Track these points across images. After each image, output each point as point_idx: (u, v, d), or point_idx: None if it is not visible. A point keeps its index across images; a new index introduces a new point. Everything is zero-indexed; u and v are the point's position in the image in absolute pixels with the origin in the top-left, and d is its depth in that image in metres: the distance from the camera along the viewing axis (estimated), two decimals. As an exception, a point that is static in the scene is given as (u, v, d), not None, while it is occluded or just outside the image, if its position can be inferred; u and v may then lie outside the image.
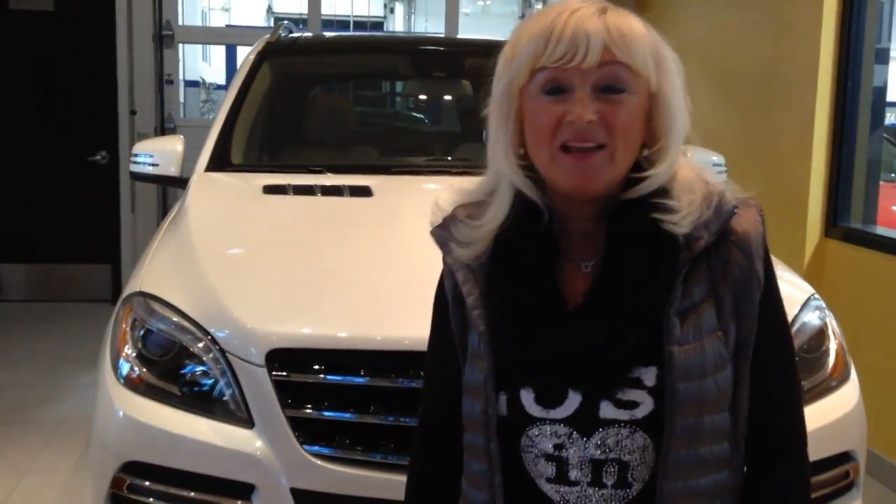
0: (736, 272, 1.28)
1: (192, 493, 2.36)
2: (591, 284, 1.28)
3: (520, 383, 1.29)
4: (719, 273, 1.28)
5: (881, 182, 4.91)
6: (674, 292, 1.25)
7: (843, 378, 2.62)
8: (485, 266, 1.33)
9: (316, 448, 2.29)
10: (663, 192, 1.28)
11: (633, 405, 1.25)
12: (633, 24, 1.27)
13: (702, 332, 1.26)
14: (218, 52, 13.55)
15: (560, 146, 1.25)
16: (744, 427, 1.31)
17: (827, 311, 2.67)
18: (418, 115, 5.53)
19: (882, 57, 4.46)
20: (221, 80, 13.32)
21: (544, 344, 1.26)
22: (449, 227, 1.38)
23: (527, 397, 1.28)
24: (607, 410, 1.26)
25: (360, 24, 15.10)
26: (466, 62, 4.38)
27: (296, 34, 4.44)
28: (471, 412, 1.33)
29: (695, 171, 1.32)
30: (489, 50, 4.87)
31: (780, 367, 1.35)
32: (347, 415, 2.31)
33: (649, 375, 1.25)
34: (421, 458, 1.48)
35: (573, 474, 1.28)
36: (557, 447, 1.28)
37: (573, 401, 1.27)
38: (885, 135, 5.25)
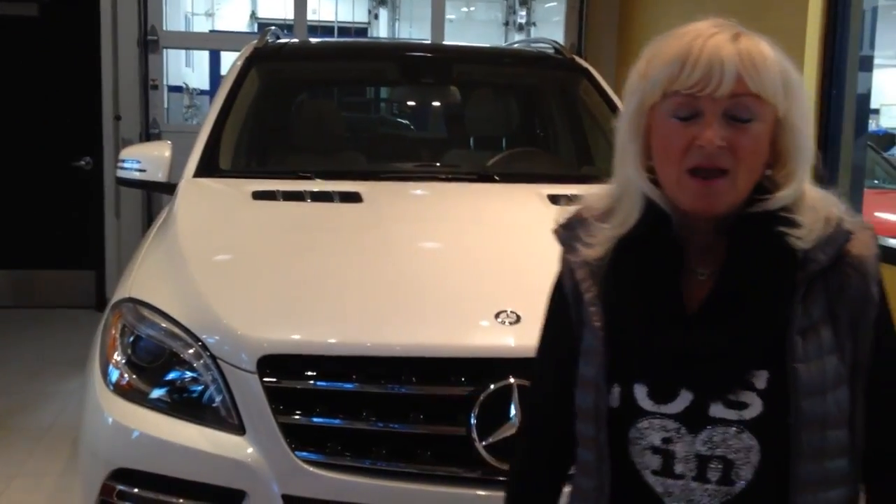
0: (852, 293, 1.32)
1: (183, 500, 2.35)
2: (710, 292, 1.34)
3: (634, 377, 1.35)
4: (835, 294, 1.32)
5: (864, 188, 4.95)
6: (794, 310, 1.30)
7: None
8: (604, 266, 1.39)
9: (308, 454, 2.29)
10: (787, 209, 1.33)
11: (742, 406, 1.30)
12: (765, 51, 1.31)
13: (822, 351, 1.30)
14: (201, 58, 13.49)
15: (687, 169, 1.30)
16: (860, 443, 1.35)
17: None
18: (407, 121, 5.53)
19: (866, 64, 4.49)
20: (205, 86, 13.26)
21: (663, 343, 1.32)
22: (575, 228, 1.45)
23: (640, 391, 1.35)
24: (717, 410, 1.31)
25: (344, 30, 15.09)
26: (455, 68, 4.39)
27: (283, 40, 4.43)
28: (582, 403, 1.40)
29: (819, 194, 1.37)
30: (477, 56, 4.87)
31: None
32: (339, 421, 2.30)
33: (761, 379, 1.30)
34: (527, 454, 1.54)
35: (678, 468, 1.33)
36: (665, 441, 1.34)
37: (684, 398, 1.33)
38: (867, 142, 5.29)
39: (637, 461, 1.36)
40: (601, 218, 1.42)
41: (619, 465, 1.38)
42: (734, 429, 1.30)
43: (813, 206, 1.34)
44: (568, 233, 1.46)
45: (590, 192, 1.48)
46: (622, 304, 1.36)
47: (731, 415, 1.30)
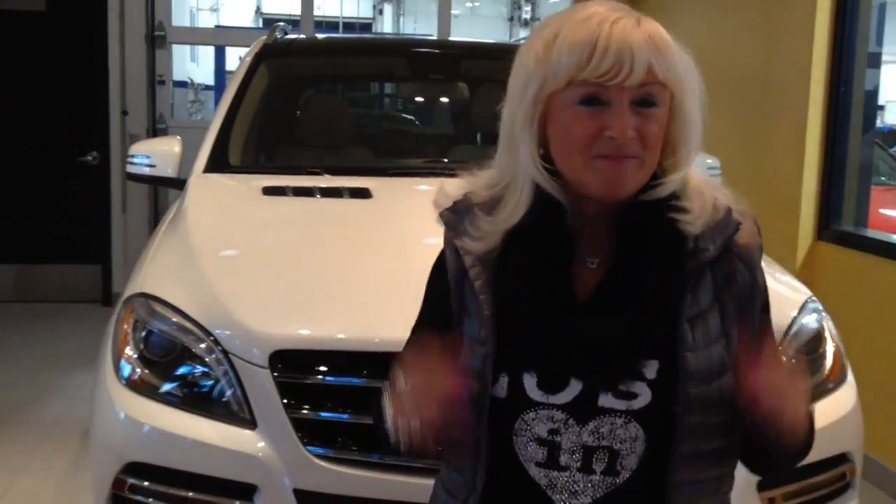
0: (740, 283, 1.33)
1: (194, 494, 2.37)
2: (601, 281, 1.32)
3: (523, 367, 1.32)
4: (723, 283, 1.33)
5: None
6: (685, 299, 1.30)
7: (840, 380, 2.64)
8: (493, 256, 1.35)
9: (318, 449, 2.29)
10: (676, 196, 1.32)
11: (631, 396, 1.29)
12: (666, 36, 1.28)
13: (710, 339, 1.30)
14: (206, 53, 13.50)
15: (595, 156, 1.26)
16: (740, 425, 1.34)
17: (824, 314, 2.70)
18: (415, 117, 5.54)
19: (874, 61, 4.49)
20: (210, 81, 13.28)
21: (554, 332, 1.29)
22: (462, 215, 1.39)
23: (529, 381, 1.31)
24: (606, 400, 1.29)
25: (349, 26, 15.12)
26: (462, 64, 4.40)
27: (292, 36, 4.44)
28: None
29: (703, 179, 1.37)
30: (485, 52, 4.87)
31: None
32: (349, 416, 2.31)
33: (651, 369, 1.29)
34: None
35: (564, 459, 1.31)
36: (552, 432, 1.31)
37: (574, 388, 1.30)
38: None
39: (521, 453, 1.33)
40: (486, 209, 1.36)
41: (501, 458, 1.34)
42: (621, 419, 1.29)
43: (699, 190, 1.33)
44: (455, 217, 1.39)
45: (473, 179, 1.41)
46: (512, 293, 1.32)
47: (620, 405, 1.28)
